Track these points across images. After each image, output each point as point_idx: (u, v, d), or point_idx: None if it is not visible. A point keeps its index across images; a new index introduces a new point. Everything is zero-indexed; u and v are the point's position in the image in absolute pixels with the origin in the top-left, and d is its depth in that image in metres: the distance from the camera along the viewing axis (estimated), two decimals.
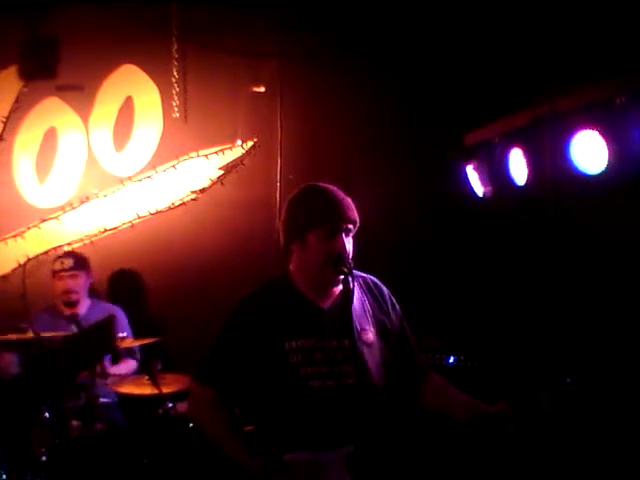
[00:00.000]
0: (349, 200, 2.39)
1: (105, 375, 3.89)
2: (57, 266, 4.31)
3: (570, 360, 3.65)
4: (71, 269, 4.28)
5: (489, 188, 4.02)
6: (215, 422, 2.32)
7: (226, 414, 2.33)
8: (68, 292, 4.29)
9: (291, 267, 2.44)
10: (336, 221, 2.33)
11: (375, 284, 2.51)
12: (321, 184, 2.43)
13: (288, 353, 2.30)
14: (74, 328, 3.97)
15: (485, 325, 4.19)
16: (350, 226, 2.36)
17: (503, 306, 4.15)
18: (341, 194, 2.40)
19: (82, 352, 1.81)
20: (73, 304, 4.33)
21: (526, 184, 3.67)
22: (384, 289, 2.52)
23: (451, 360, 4.06)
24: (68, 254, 4.42)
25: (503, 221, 4.12)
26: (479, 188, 4.11)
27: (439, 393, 2.47)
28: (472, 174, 4.15)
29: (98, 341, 1.83)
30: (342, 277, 2.34)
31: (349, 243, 2.37)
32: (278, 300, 2.38)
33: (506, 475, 3.19)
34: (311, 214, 2.34)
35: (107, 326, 1.87)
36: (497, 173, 3.91)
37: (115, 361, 4.28)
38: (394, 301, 2.52)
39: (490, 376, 3.94)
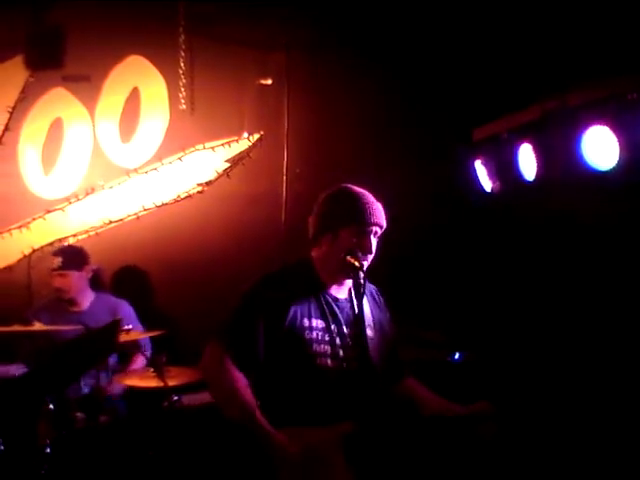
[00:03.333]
0: (379, 205, 2.60)
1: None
2: (49, 264, 4.28)
3: (575, 359, 3.64)
4: (59, 268, 4.22)
5: (497, 184, 3.99)
6: (234, 386, 2.39)
7: (245, 379, 2.42)
8: (58, 291, 4.26)
9: (314, 254, 2.61)
10: (368, 224, 2.52)
11: (376, 291, 2.77)
12: (356, 187, 2.63)
13: (304, 329, 2.48)
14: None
15: (491, 321, 4.17)
16: (378, 229, 2.56)
17: (509, 303, 4.12)
18: (373, 200, 2.60)
19: (87, 352, 1.82)
20: (69, 302, 4.30)
21: (535, 180, 3.63)
22: (382, 298, 2.78)
23: (456, 356, 4.05)
24: (59, 252, 4.35)
25: (511, 217, 4.09)
26: (487, 183, 4.08)
27: (415, 394, 2.70)
28: (480, 169, 4.12)
29: (103, 342, 1.83)
30: (352, 268, 2.47)
31: (374, 243, 2.57)
32: (300, 281, 2.55)
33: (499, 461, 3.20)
34: (348, 213, 2.53)
35: (112, 328, 1.87)
36: (506, 168, 3.87)
37: (123, 360, 4.27)
38: (387, 309, 2.77)
39: (495, 372, 3.93)
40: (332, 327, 2.51)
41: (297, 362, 2.47)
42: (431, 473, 3.17)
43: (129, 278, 4.85)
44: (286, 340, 2.46)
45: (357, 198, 2.56)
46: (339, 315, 2.55)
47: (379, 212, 2.57)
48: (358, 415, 2.42)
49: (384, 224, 2.58)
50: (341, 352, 2.50)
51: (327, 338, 2.50)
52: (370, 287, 2.72)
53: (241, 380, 2.41)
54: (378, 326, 2.65)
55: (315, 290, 2.55)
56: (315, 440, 2.36)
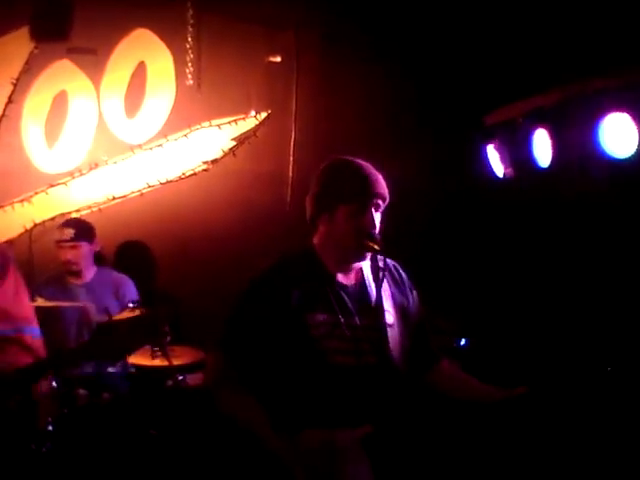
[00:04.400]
0: (380, 176, 2.35)
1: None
2: (58, 236, 4.21)
3: (585, 344, 3.61)
4: (72, 240, 4.17)
5: (510, 169, 3.93)
6: (237, 399, 2.25)
7: (247, 390, 2.27)
8: (68, 263, 4.21)
9: (315, 241, 2.39)
10: (367, 197, 2.28)
11: (396, 268, 2.47)
12: (351, 158, 2.38)
13: (309, 327, 2.26)
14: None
15: (499, 308, 4.13)
16: (380, 202, 2.31)
17: (519, 290, 4.09)
18: (373, 170, 2.35)
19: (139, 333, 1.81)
20: (75, 274, 4.25)
21: (550, 166, 3.57)
22: (403, 273, 2.49)
23: (462, 342, 4.02)
24: (70, 223, 4.30)
25: (523, 204, 4.03)
26: (499, 169, 4.02)
27: (452, 377, 2.48)
28: (493, 154, 4.06)
29: (149, 328, 1.81)
30: (370, 254, 2.29)
31: (377, 219, 2.32)
32: (300, 273, 2.32)
33: (522, 459, 3.14)
34: (342, 188, 2.28)
35: (162, 318, 1.85)
36: (519, 154, 3.81)
37: None
38: (412, 286, 2.49)
39: (502, 359, 3.90)
40: (341, 320, 2.26)
41: (306, 362, 2.24)
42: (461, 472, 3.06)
43: (131, 255, 4.79)
44: (292, 340, 2.24)
45: (352, 169, 2.31)
46: (349, 305, 2.30)
47: (379, 182, 2.31)
48: (379, 415, 2.21)
49: (387, 195, 2.31)
50: (354, 346, 2.26)
51: (337, 332, 2.25)
52: (388, 263, 2.38)
53: (244, 396, 2.23)
54: (399, 310, 2.37)
55: (319, 280, 2.31)
56: (333, 443, 2.16)
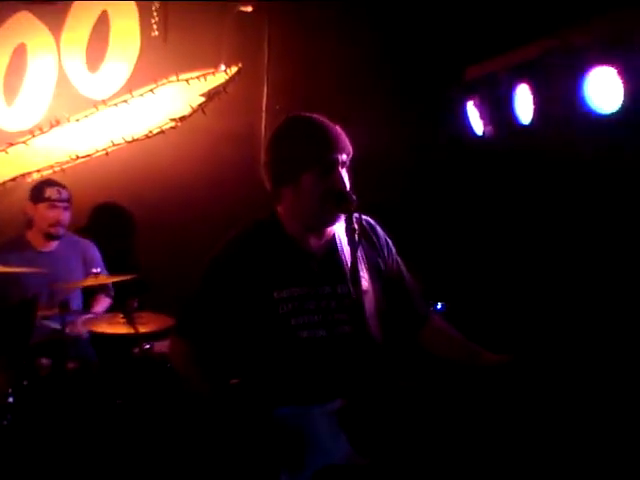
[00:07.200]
0: (339, 129, 2.17)
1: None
2: (52, 194, 3.97)
3: (560, 309, 3.52)
4: (67, 201, 4.00)
5: (490, 127, 3.79)
6: (190, 371, 2.19)
7: (202, 366, 2.18)
8: (57, 224, 3.99)
9: (279, 209, 2.22)
10: (331, 155, 2.10)
11: (370, 225, 2.29)
12: (306, 114, 2.19)
13: (277, 303, 2.13)
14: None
15: (476, 272, 4.03)
16: (345, 157, 2.14)
17: (496, 252, 3.97)
18: (330, 123, 2.17)
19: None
20: (55, 238, 4.05)
21: (532, 123, 3.43)
22: (379, 230, 2.31)
23: (439, 306, 3.92)
24: (60, 184, 4.07)
25: (503, 163, 3.89)
26: (479, 126, 3.88)
27: (440, 339, 2.33)
28: (472, 111, 3.91)
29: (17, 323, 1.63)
30: (344, 215, 2.08)
31: (345, 176, 2.15)
32: (265, 245, 2.18)
33: (505, 426, 3.07)
34: (303, 153, 2.10)
35: (28, 309, 1.66)
36: (500, 110, 3.66)
37: (88, 298, 4.09)
38: (390, 243, 2.32)
39: (478, 323, 3.80)
40: (311, 292, 2.13)
41: (276, 339, 2.13)
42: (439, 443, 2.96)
43: (97, 218, 4.60)
44: (259, 318, 2.13)
45: (310, 130, 2.12)
46: (318, 274, 2.15)
47: (341, 136, 2.13)
48: (354, 387, 2.08)
49: (350, 149, 2.14)
50: (326, 317, 2.13)
51: (306, 306, 2.12)
52: (362, 220, 2.20)
53: (198, 368, 2.16)
54: (374, 272, 2.20)
55: (285, 250, 2.16)
56: (306, 419, 2.07)
